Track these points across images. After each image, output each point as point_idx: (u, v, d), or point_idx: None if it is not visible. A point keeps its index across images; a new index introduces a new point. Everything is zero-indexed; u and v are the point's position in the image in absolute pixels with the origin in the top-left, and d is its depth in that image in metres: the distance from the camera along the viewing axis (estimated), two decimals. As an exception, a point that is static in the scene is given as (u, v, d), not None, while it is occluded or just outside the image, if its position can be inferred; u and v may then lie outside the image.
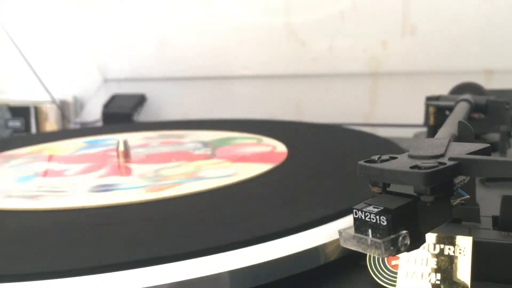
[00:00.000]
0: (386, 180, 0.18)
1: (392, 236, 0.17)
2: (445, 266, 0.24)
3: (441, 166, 0.17)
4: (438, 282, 0.24)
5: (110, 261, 0.23)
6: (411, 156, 0.19)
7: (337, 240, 0.26)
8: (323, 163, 0.40)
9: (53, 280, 0.22)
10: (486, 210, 0.27)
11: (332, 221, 0.27)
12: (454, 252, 0.24)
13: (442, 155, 0.19)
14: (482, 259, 0.24)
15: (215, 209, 0.30)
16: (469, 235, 0.24)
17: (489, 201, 0.28)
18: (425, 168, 0.17)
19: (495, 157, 0.18)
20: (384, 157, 0.19)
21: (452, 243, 0.23)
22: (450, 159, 0.18)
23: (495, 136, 0.45)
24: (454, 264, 0.23)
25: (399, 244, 0.17)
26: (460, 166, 0.18)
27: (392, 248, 0.16)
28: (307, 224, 0.26)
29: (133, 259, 0.23)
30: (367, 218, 0.17)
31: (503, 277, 0.24)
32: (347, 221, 0.28)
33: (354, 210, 0.18)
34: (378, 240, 0.16)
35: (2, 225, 0.29)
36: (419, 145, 0.21)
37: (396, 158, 0.19)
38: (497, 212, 0.26)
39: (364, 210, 0.17)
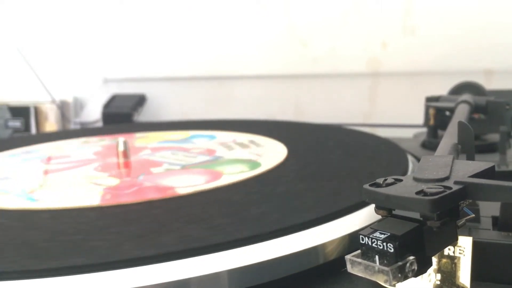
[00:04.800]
0: (392, 206, 0.18)
1: (400, 263, 0.17)
2: (445, 266, 0.24)
3: (447, 192, 0.17)
4: (438, 282, 0.24)
5: (106, 260, 0.23)
6: (416, 179, 0.19)
7: (336, 240, 0.26)
8: (322, 163, 0.40)
9: (49, 278, 0.22)
10: (486, 211, 0.27)
11: (332, 220, 0.27)
12: (454, 252, 0.24)
13: (447, 178, 0.19)
14: (482, 259, 0.24)
15: (213, 209, 0.30)
16: (469, 235, 0.24)
17: (489, 202, 0.28)
18: (431, 194, 0.17)
19: (500, 181, 0.18)
20: (389, 179, 0.19)
21: (452, 243, 0.23)
22: (456, 182, 0.18)
23: (495, 137, 0.45)
24: (454, 264, 0.23)
25: (407, 270, 0.17)
26: (466, 190, 0.18)
27: (399, 275, 0.17)
28: (306, 223, 0.26)
29: (130, 258, 0.23)
30: (373, 244, 0.17)
31: (503, 277, 0.24)
32: (346, 221, 0.28)
33: (361, 236, 0.18)
34: (386, 268, 0.17)
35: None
36: (424, 165, 0.21)
37: (401, 180, 0.19)
38: (497, 213, 0.26)
39: (371, 236, 0.17)
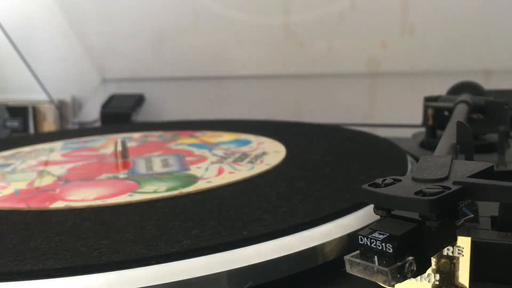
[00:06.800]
0: (391, 206, 0.18)
1: (399, 264, 0.17)
2: (444, 267, 0.24)
3: (446, 192, 0.17)
4: (437, 283, 0.24)
5: (106, 260, 0.23)
6: (415, 179, 0.19)
7: (335, 240, 0.26)
8: (321, 163, 0.40)
9: (45, 279, 0.22)
10: (484, 210, 0.27)
11: (331, 221, 0.27)
12: (453, 252, 0.24)
13: (446, 178, 0.19)
14: (481, 259, 0.24)
15: (212, 209, 0.30)
16: (468, 235, 0.24)
17: (488, 202, 0.28)
18: (430, 194, 0.17)
19: (499, 181, 0.18)
20: (388, 180, 0.19)
21: (451, 243, 0.23)
22: (454, 183, 0.18)
23: (494, 137, 0.45)
24: (453, 265, 0.23)
25: (406, 271, 0.17)
26: (465, 190, 0.18)
27: (398, 275, 0.17)
28: (305, 224, 0.26)
29: (130, 258, 0.23)
30: (372, 245, 0.17)
31: (502, 277, 0.24)
32: (345, 221, 0.28)
33: (360, 237, 0.18)
34: (385, 269, 0.17)
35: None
36: (422, 165, 0.21)
37: (400, 181, 0.19)
38: (495, 212, 0.26)
39: (370, 236, 0.17)
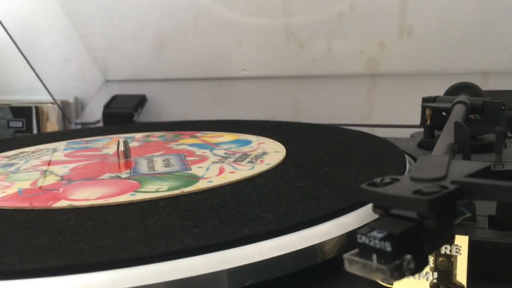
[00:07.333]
0: (389, 205, 0.19)
1: (397, 262, 0.17)
2: (442, 265, 0.24)
3: (444, 191, 0.18)
4: (435, 281, 0.24)
5: (109, 258, 0.23)
6: (413, 179, 0.19)
7: (334, 239, 0.26)
8: (321, 163, 0.40)
9: (48, 278, 0.22)
10: (482, 210, 0.28)
11: (330, 220, 0.28)
12: (451, 251, 0.24)
13: (443, 177, 0.19)
14: (479, 258, 0.24)
15: (213, 208, 0.30)
16: (465, 234, 0.25)
17: (485, 201, 0.28)
18: (428, 193, 0.17)
19: (497, 181, 0.18)
20: (387, 179, 0.19)
21: (449, 242, 0.24)
22: (452, 182, 0.19)
23: (491, 137, 0.45)
24: (451, 263, 0.24)
25: (404, 269, 0.17)
26: (462, 189, 0.18)
27: (397, 273, 0.17)
28: (304, 223, 0.27)
29: (132, 257, 0.23)
30: (371, 243, 0.17)
31: (499, 276, 0.24)
32: (344, 220, 0.28)
33: (358, 235, 0.18)
34: (383, 267, 0.17)
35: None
36: (421, 165, 0.21)
37: (399, 180, 0.20)
38: (493, 212, 0.27)
39: (368, 235, 0.17)
